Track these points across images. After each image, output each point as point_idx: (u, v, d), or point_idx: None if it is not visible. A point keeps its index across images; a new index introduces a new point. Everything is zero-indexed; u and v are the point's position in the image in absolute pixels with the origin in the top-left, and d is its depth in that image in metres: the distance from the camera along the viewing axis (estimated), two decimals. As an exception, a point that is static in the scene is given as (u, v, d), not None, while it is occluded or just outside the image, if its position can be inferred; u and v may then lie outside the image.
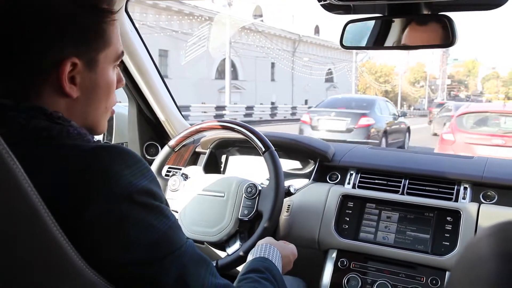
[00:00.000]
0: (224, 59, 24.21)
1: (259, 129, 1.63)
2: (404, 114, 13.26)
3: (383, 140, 10.57)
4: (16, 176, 0.58)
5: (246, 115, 22.27)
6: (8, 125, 0.73)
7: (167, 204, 0.79)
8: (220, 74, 27.07)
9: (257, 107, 24.48)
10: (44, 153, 0.73)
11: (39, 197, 0.61)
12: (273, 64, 31.09)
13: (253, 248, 1.15)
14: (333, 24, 32.13)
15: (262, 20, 28.56)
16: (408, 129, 12.66)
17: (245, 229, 1.54)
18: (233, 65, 27.80)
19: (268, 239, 1.23)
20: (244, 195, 1.53)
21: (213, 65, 26.47)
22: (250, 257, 1.11)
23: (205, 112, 19.42)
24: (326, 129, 10.36)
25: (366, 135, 10.06)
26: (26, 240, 0.60)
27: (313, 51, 34.82)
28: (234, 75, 28.43)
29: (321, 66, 34.34)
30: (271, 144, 1.54)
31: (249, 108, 23.42)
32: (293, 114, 27.58)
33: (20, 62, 0.76)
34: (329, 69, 36.65)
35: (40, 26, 0.75)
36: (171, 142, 1.71)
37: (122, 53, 0.89)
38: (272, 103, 28.65)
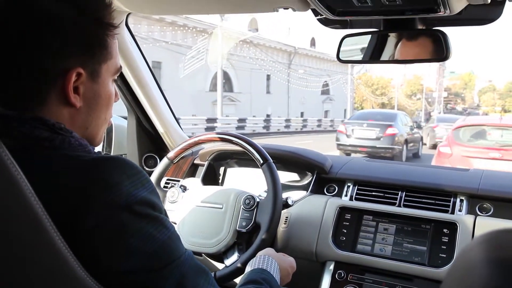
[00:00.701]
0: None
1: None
2: (419, 126, 16.01)
3: (404, 146, 12.90)
4: (19, 185, 0.60)
5: (238, 128, 22.00)
6: (11, 135, 0.76)
7: (166, 215, 0.81)
8: (215, 86, 26.96)
9: (250, 119, 24.25)
10: (46, 162, 0.75)
11: (41, 205, 0.63)
12: (268, 76, 30.88)
13: (252, 259, 1.17)
14: (330, 36, 32.25)
15: (258, 34, 28.63)
16: (421, 139, 15.06)
17: (243, 240, 1.56)
18: (228, 78, 27.66)
19: (268, 251, 1.25)
20: (242, 207, 1.55)
21: (208, 77, 26.35)
22: (248, 268, 1.13)
23: (195, 124, 19.30)
24: (359, 137, 12.69)
25: (392, 142, 12.37)
26: (28, 247, 0.62)
27: (309, 63, 34.80)
28: (229, 87, 28.30)
29: (317, 78, 34.35)
30: (269, 156, 1.57)
31: (242, 120, 23.22)
32: (287, 126, 27.32)
33: (27, 72, 0.78)
34: (325, 81, 36.71)
35: (47, 36, 0.78)
36: (170, 154, 1.74)
37: (120, 67, 0.93)
38: (268, 116, 28.52)
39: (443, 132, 16.61)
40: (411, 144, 13.57)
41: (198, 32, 23.75)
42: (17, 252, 0.61)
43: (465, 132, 7.80)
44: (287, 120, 28.23)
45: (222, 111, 23.18)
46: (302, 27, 33.30)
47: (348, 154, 12.93)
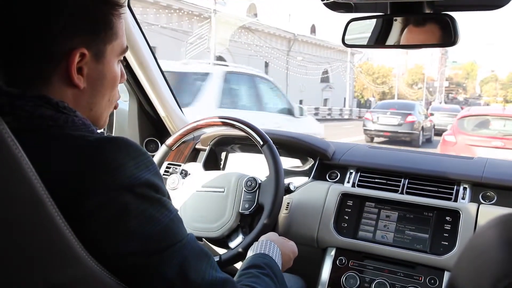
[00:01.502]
0: (216, 57, 24.02)
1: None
2: (432, 115, 19.23)
3: (421, 132, 15.30)
4: (21, 164, 0.61)
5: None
6: (14, 113, 0.76)
7: (169, 198, 0.82)
8: None
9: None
10: (49, 141, 0.76)
11: (43, 185, 0.63)
12: (266, 63, 30.52)
13: (254, 244, 1.18)
14: (330, 23, 32.05)
15: (257, 20, 28.40)
16: (434, 126, 17.49)
17: (246, 223, 1.57)
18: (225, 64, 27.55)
19: (270, 235, 1.26)
20: (244, 189, 1.55)
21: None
22: (250, 253, 1.14)
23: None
24: (383, 123, 15.13)
25: (411, 128, 14.79)
26: (29, 227, 0.62)
27: (308, 50, 34.39)
28: None
29: (316, 66, 34.14)
30: (270, 139, 1.57)
31: (230, 108, 22.61)
32: None
33: (31, 51, 0.79)
34: (325, 69, 36.55)
35: (51, 16, 0.78)
36: (168, 141, 1.74)
37: (127, 48, 0.92)
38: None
39: (434, 120, 18.66)
40: (426, 131, 16.11)
41: (194, 16, 23.44)
42: (19, 232, 0.61)
43: (469, 121, 8.29)
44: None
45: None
46: (303, 13, 33.08)
47: (373, 138, 15.59)
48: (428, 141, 16.32)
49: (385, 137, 15.34)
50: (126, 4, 1.67)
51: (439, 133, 14.86)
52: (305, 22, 35.08)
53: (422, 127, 15.48)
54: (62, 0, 0.79)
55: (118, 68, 0.92)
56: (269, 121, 6.53)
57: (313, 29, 37.47)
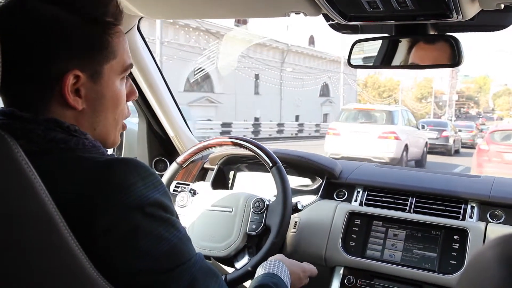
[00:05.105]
0: (198, 69, 22.75)
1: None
2: (460, 131, 24.38)
3: (453, 144, 20.74)
4: (34, 185, 0.67)
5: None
6: (27, 136, 0.82)
7: (177, 217, 0.88)
8: (192, 86, 24.84)
9: (201, 123, 21.71)
10: (60, 163, 0.81)
11: (56, 207, 0.70)
12: (257, 76, 29.15)
13: (263, 264, 1.26)
14: (329, 34, 31.94)
15: (246, 29, 28.28)
16: (461, 140, 23.24)
17: (253, 244, 1.66)
18: (207, 76, 25.76)
19: (279, 256, 1.34)
20: (252, 210, 1.64)
21: (182, 76, 24.46)
22: (260, 271, 1.23)
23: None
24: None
25: (446, 141, 20.21)
26: (41, 247, 0.68)
27: (304, 62, 33.21)
28: (209, 87, 26.46)
29: (315, 79, 33.52)
30: (279, 160, 1.67)
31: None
32: (256, 132, 24.55)
33: (26, 77, 0.84)
34: (325, 82, 36.32)
35: (41, 41, 0.83)
36: (179, 159, 1.84)
37: (131, 65, 0.95)
38: (256, 119, 26.83)
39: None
40: (455, 144, 21.15)
41: (180, 27, 23.40)
42: (31, 252, 0.66)
43: (498, 134, 12.06)
44: (256, 125, 25.75)
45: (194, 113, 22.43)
46: (300, 24, 32.83)
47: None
48: (456, 152, 21.34)
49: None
50: (135, 27, 1.78)
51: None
52: (303, 33, 34.94)
53: (454, 140, 20.78)
54: (52, 24, 0.83)
55: (123, 86, 0.95)
56: (407, 130, 14.18)
57: (311, 40, 37.55)
